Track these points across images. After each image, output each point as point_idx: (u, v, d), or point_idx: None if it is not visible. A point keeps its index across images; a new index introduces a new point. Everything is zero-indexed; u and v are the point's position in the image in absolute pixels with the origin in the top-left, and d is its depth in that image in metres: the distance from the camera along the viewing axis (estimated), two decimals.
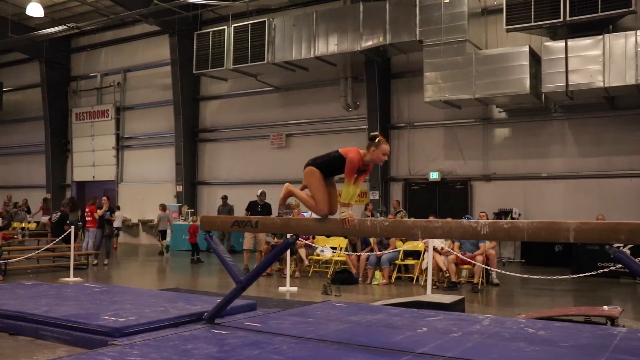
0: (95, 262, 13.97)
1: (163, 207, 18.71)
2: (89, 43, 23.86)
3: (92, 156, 23.44)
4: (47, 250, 13.17)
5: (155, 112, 22.10)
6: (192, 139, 21.17)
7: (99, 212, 14.16)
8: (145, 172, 22.18)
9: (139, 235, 22.18)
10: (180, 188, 20.73)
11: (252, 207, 13.23)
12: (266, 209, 13.24)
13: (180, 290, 9.62)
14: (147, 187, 21.91)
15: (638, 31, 12.72)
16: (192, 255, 15.42)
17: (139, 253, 18.61)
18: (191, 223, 16.43)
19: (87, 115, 23.58)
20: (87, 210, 14.34)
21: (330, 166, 5.25)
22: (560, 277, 10.49)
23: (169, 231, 18.86)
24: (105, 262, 14.18)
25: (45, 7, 19.83)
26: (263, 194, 13.47)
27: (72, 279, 10.89)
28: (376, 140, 5.00)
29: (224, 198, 18.12)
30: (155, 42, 21.69)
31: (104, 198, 14.70)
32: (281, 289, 10.21)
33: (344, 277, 11.19)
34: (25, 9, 19.51)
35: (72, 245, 11.58)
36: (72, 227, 12.08)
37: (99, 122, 23.22)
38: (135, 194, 22.17)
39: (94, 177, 23.52)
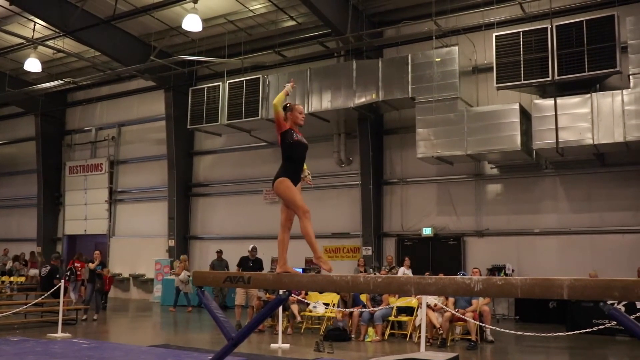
0: (84, 317, 13.75)
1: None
2: (84, 97, 24.14)
3: (84, 209, 23.36)
4: (35, 304, 12.97)
5: (149, 166, 22.18)
6: (186, 193, 21.19)
7: (91, 265, 14.06)
8: (138, 226, 22.08)
9: (129, 290, 21.89)
10: (172, 242, 20.61)
11: (243, 263, 13.08)
12: (257, 264, 13.10)
13: (170, 347, 9.46)
14: (139, 241, 21.76)
15: (624, 90, 13.02)
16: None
17: (130, 308, 18.33)
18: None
19: (81, 168, 23.63)
20: (77, 264, 14.23)
21: (288, 158, 5.65)
22: (555, 334, 10.38)
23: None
24: (95, 317, 13.96)
25: (43, 63, 20.13)
26: (254, 249, 13.39)
27: (60, 334, 10.69)
28: (287, 106, 5.73)
29: (219, 252, 17.94)
30: (151, 97, 21.96)
31: (97, 252, 14.61)
32: (273, 345, 10.05)
33: (336, 334, 11.04)
34: (23, 64, 19.79)
35: (61, 299, 11.42)
36: (62, 281, 11.95)
37: (92, 175, 23.25)
38: (127, 248, 22.01)
39: (85, 230, 23.39)
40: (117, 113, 23.25)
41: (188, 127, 18.93)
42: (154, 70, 19.55)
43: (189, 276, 17.15)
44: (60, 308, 11.28)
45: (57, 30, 18.03)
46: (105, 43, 18.60)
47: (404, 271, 13.57)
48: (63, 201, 24.12)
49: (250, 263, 12.95)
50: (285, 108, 5.74)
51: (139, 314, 16.73)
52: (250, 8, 17.55)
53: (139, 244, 21.71)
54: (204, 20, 17.26)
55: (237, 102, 17.68)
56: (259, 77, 17.50)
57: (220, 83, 18.21)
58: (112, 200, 22.94)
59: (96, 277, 14.19)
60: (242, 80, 17.81)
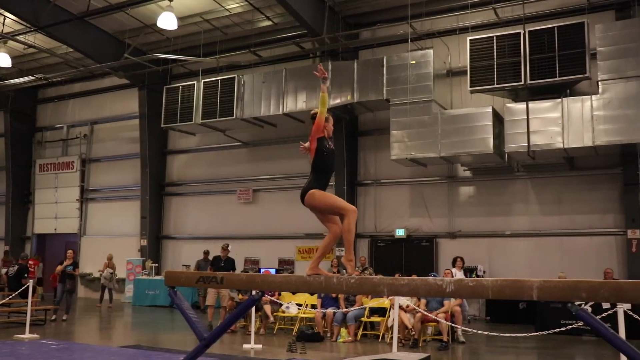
0: (53, 317, 13.55)
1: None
2: (56, 94, 23.82)
3: (54, 208, 23.03)
4: (2, 305, 12.75)
5: (121, 164, 21.96)
6: (159, 192, 21.03)
7: (59, 268, 13.90)
8: (110, 225, 21.85)
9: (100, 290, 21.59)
10: (144, 242, 20.43)
11: (215, 262, 12.95)
12: (229, 264, 12.94)
13: (142, 348, 9.38)
14: (110, 240, 21.50)
15: (593, 96, 13.27)
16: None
17: (101, 308, 18.09)
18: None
19: (52, 166, 23.30)
20: (30, 262, 13.97)
21: (319, 168, 5.39)
22: (524, 334, 10.53)
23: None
24: (64, 317, 13.76)
25: (13, 58, 19.79)
26: (226, 246, 13.17)
27: (28, 335, 10.51)
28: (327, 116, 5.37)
29: (206, 253, 17.47)
30: (124, 95, 21.75)
31: (69, 251, 14.42)
32: (245, 346, 10.03)
33: (309, 335, 11.04)
34: None
35: (29, 299, 11.25)
36: (31, 281, 11.77)
37: (63, 173, 22.94)
38: (98, 248, 21.72)
39: (55, 229, 23.06)
40: (90, 111, 22.98)
41: (162, 125, 18.79)
42: (128, 68, 19.37)
43: (111, 273, 18.06)
44: (29, 308, 11.09)
45: (29, 25, 17.76)
46: (78, 39, 18.39)
47: (455, 273, 12.75)
48: (33, 199, 23.76)
49: (222, 263, 12.79)
50: (313, 117, 5.47)
51: (110, 314, 16.54)
52: (226, 7, 17.48)
53: (110, 243, 21.42)
54: (180, 19, 17.15)
55: (211, 101, 17.61)
56: (234, 77, 17.45)
57: (195, 82, 18.11)
58: (83, 199, 22.65)
59: (66, 278, 13.99)
60: (217, 80, 17.74)
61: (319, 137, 5.38)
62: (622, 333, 7.62)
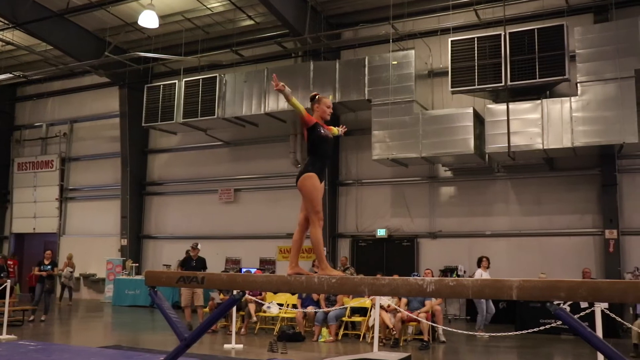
0: (31, 317, 13.40)
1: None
2: (35, 92, 23.55)
3: (33, 207, 22.76)
4: None
5: (102, 164, 21.77)
6: (139, 192, 20.88)
7: (35, 270, 13.78)
8: (89, 224, 21.65)
9: (80, 290, 21.42)
10: (125, 242, 20.28)
11: (186, 263, 12.73)
12: (200, 264, 12.69)
13: (122, 348, 9.31)
14: (90, 240, 21.33)
15: (572, 98, 13.42)
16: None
17: (80, 308, 17.95)
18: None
19: (30, 165, 23.03)
20: (10, 262, 13.81)
21: (314, 154, 5.35)
22: (504, 334, 10.62)
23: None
24: (43, 317, 13.61)
25: None
26: (196, 245, 12.93)
27: (5, 336, 10.38)
28: (316, 98, 5.48)
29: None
30: (105, 94, 21.57)
31: (48, 252, 14.28)
32: (226, 346, 10.00)
33: (290, 334, 11.04)
34: None
35: (7, 299, 11.11)
36: (9, 281, 11.63)
37: (42, 172, 22.69)
38: (78, 247, 21.51)
39: (34, 229, 22.78)
40: (70, 109, 22.75)
41: (143, 124, 18.66)
42: (109, 66, 19.22)
43: (71, 272, 18.41)
44: (6, 308, 10.96)
45: (7, 22, 17.54)
46: (58, 37, 18.19)
47: (481, 273, 12.47)
48: (11, 198, 23.47)
49: (193, 263, 12.64)
50: (312, 99, 5.53)
51: (90, 314, 16.41)
52: (208, 6, 17.42)
53: (90, 243, 21.27)
54: (161, 17, 17.06)
55: (193, 100, 17.52)
56: (216, 76, 17.38)
57: (177, 81, 18.01)
58: (62, 198, 22.42)
59: (45, 278, 13.84)
60: (199, 79, 17.65)
61: (310, 127, 5.38)
62: (599, 332, 7.71)
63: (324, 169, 5.43)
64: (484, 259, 12.82)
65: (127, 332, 12.93)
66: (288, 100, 5.27)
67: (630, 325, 10.05)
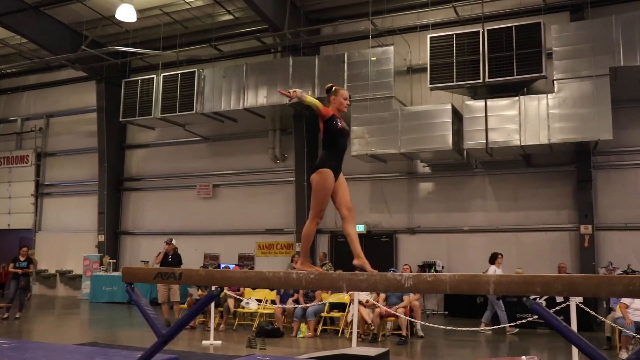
0: (5, 315, 13.22)
1: None
2: (9, 86, 23.17)
3: (8, 203, 22.42)
4: None
5: (78, 159, 21.51)
6: (117, 187, 20.69)
7: (10, 267, 13.60)
8: (66, 220, 21.39)
9: (56, 287, 21.20)
10: (102, 238, 20.09)
11: (162, 258, 12.63)
12: (176, 260, 12.60)
13: (98, 345, 9.23)
14: (67, 236, 21.09)
15: (549, 95, 13.57)
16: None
17: (56, 305, 17.76)
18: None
19: (5, 160, 22.67)
20: None
21: (330, 147, 5.20)
22: (482, 328, 10.72)
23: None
24: (17, 315, 13.44)
25: None
26: (170, 240, 12.83)
27: None
28: (332, 90, 5.27)
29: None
30: (81, 88, 21.30)
31: (24, 248, 14.09)
32: (205, 342, 9.97)
33: (269, 330, 11.04)
34: None
35: None
36: None
37: (17, 167, 22.36)
38: (54, 244, 21.29)
39: (9, 225, 22.44)
40: (45, 103, 22.42)
41: (120, 119, 18.47)
42: (85, 60, 18.99)
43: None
44: None
45: None
46: (33, 30, 17.88)
47: (495, 270, 12.18)
48: None
49: (169, 258, 12.57)
50: (329, 91, 5.34)
51: (66, 311, 16.24)
52: (187, 0, 17.27)
53: (66, 239, 21.04)
54: (139, 11, 16.90)
55: (171, 95, 17.38)
56: (194, 71, 17.25)
57: (155, 76, 17.85)
58: (38, 193, 22.13)
59: (21, 275, 13.66)
60: (177, 74, 17.52)
61: (326, 119, 5.23)
62: (574, 325, 7.82)
63: (340, 164, 5.28)
64: (499, 256, 12.60)
65: (104, 329, 12.82)
66: (303, 101, 5.12)
67: (603, 319, 10.23)
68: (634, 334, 8.76)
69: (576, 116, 13.21)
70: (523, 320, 10.20)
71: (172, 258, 12.54)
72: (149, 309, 5.78)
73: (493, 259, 12.62)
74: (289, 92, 5.12)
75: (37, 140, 22.46)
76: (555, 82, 13.57)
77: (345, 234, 5.33)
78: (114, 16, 16.97)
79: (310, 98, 5.16)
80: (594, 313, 10.15)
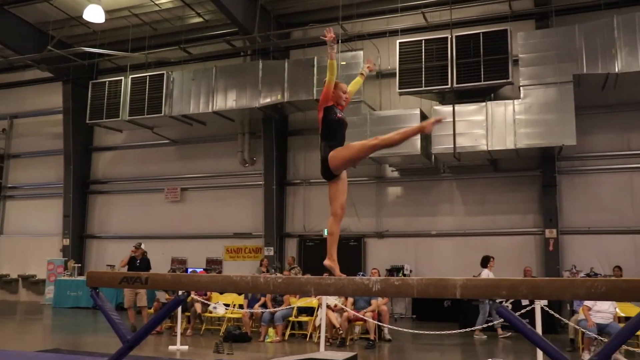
0: None
1: None
2: None
3: None
4: None
5: (43, 161, 21.11)
6: (83, 190, 20.36)
7: None
8: (30, 224, 20.96)
9: (18, 292, 20.73)
10: (67, 242, 19.73)
11: (130, 263, 12.50)
12: (145, 264, 12.47)
13: (61, 352, 9.06)
14: (30, 240, 20.66)
15: (515, 100, 13.80)
16: None
17: (18, 311, 17.37)
18: None
19: None
20: None
21: (328, 137, 5.19)
22: (449, 332, 10.80)
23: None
24: None
25: None
26: (139, 245, 12.68)
27: None
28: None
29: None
30: (47, 89, 20.91)
31: None
32: (171, 347, 9.85)
33: (236, 335, 10.96)
34: None
35: None
36: None
37: None
38: (17, 247, 20.84)
39: None
40: (9, 104, 21.94)
41: (87, 121, 18.19)
42: (52, 60, 18.66)
43: None
44: None
45: None
46: None
47: (488, 273, 12.19)
48: None
49: (137, 263, 12.41)
50: None
51: (28, 317, 15.89)
52: (156, 2, 17.13)
53: (30, 243, 20.61)
54: (107, 12, 16.70)
55: (139, 97, 17.19)
56: (163, 73, 17.10)
57: (123, 77, 17.65)
58: (1, 196, 21.66)
59: None
60: (146, 76, 17.34)
61: (327, 107, 5.15)
62: (538, 328, 7.93)
63: None
64: (491, 259, 12.57)
65: (67, 335, 12.58)
66: (332, 58, 5.01)
67: (567, 321, 10.41)
68: (596, 336, 8.92)
69: (541, 122, 13.45)
70: (490, 324, 10.31)
71: (140, 263, 12.38)
72: (114, 314, 5.70)
73: (485, 262, 12.62)
74: (334, 37, 5.00)
75: (1, 141, 21.99)
76: (521, 88, 13.80)
77: (329, 232, 5.37)
78: (81, 16, 16.72)
79: (333, 64, 5.06)
80: (558, 316, 10.33)
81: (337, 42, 15.42)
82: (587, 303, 9.28)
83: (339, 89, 5.24)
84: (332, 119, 5.18)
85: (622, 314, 10.00)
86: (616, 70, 13.02)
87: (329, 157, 5.12)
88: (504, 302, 4.59)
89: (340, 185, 5.28)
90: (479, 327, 11.70)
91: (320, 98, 5.20)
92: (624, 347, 8.32)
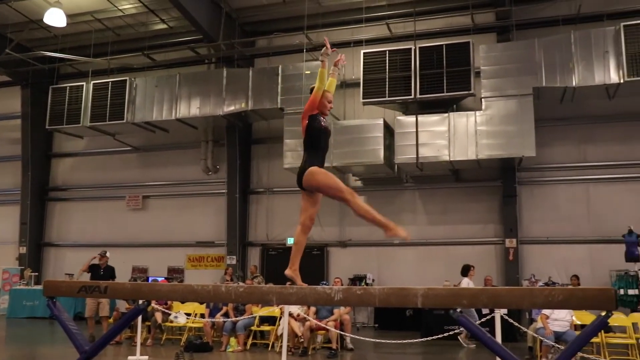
0: None
1: None
2: None
3: None
4: None
5: (0, 167, 20.59)
6: (41, 197, 19.93)
7: None
8: None
9: None
10: (23, 249, 19.25)
11: (93, 271, 12.20)
12: (109, 272, 12.18)
13: None
14: None
15: (477, 112, 14.03)
16: None
17: None
18: None
19: None
20: None
21: (312, 146, 5.15)
22: (410, 340, 10.85)
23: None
24: None
25: None
26: (104, 253, 12.38)
27: None
28: None
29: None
30: (5, 93, 20.43)
31: None
32: (131, 358, 9.68)
33: (197, 345, 10.83)
34: None
35: None
36: None
37: None
38: None
39: None
40: None
41: (47, 127, 17.85)
42: (10, 64, 18.25)
43: None
44: None
45: None
46: None
47: (468, 282, 12.27)
48: None
49: (101, 271, 12.16)
50: (312, 91, 5.22)
51: None
52: (120, 7, 16.95)
53: None
54: (69, 16, 16.43)
55: (101, 103, 16.95)
56: (126, 80, 16.89)
57: (84, 83, 17.38)
58: None
59: None
60: (108, 82, 17.11)
61: (312, 115, 5.15)
62: (498, 336, 8.03)
63: (323, 163, 5.24)
64: (472, 268, 12.64)
65: (21, 346, 12.23)
66: (323, 66, 5.16)
67: (526, 330, 10.57)
68: (554, 344, 9.08)
69: (502, 133, 13.69)
70: (451, 332, 10.40)
71: (104, 271, 12.10)
72: (71, 324, 5.57)
73: (465, 271, 12.69)
74: (330, 49, 5.17)
75: None
76: (483, 99, 14.04)
77: (295, 241, 5.35)
78: (42, 20, 16.42)
79: (324, 72, 5.22)
80: (517, 324, 10.48)
81: (304, 51, 15.53)
82: (545, 311, 9.44)
83: (325, 98, 5.26)
84: (317, 127, 5.16)
85: (579, 322, 10.20)
86: (573, 84, 13.38)
87: (307, 171, 5.10)
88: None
89: (313, 198, 5.27)
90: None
91: (306, 106, 5.20)
92: (580, 353, 8.48)
